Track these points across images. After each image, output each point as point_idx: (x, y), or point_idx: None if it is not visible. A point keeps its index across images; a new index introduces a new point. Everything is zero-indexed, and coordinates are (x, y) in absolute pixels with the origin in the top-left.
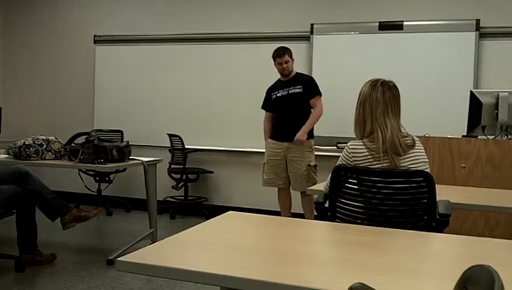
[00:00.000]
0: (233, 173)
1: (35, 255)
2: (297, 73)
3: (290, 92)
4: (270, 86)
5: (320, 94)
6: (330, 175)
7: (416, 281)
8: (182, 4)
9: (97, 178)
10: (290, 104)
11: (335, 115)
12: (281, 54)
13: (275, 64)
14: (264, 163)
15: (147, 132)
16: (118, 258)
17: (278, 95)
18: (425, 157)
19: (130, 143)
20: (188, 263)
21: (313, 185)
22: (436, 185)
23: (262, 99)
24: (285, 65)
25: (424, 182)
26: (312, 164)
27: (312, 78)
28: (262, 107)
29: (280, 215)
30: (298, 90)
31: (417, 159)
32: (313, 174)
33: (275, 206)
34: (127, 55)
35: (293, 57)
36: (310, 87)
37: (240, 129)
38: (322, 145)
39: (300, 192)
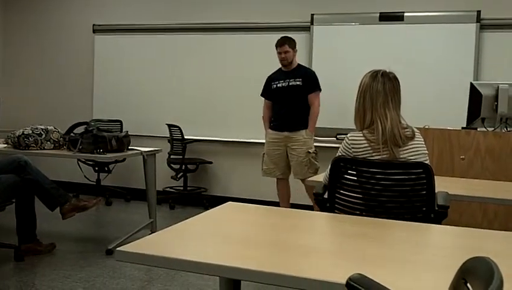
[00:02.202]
0: (233, 163)
1: (35, 245)
2: (299, 65)
3: (290, 84)
4: (270, 74)
5: (319, 89)
6: (329, 166)
7: (415, 273)
8: None
9: (96, 168)
10: (290, 96)
11: (335, 106)
12: (280, 44)
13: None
14: (263, 153)
15: (146, 122)
16: (117, 248)
17: (278, 85)
18: (425, 149)
19: (129, 133)
20: (187, 253)
21: (316, 171)
22: (435, 177)
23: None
24: (284, 55)
25: (423, 174)
26: (312, 150)
27: (313, 72)
28: (262, 95)
29: (278, 206)
30: (298, 82)
31: (417, 151)
32: (314, 160)
33: (274, 196)
34: (126, 45)
35: (296, 49)
36: (309, 81)
37: (239, 120)
38: (321, 136)
39: (303, 180)
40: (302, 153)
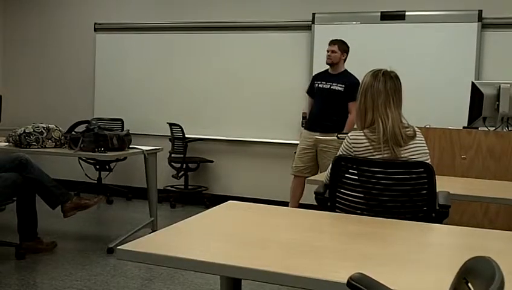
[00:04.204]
0: (234, 162)
1: (36, 243)
2: (345, 70)
3: (331, 87)
4: (316, 73)
5: None
6: (331, 165)
7: (416, 272)
8: None
9: (97, 166)
10: (329, 99)
11: None
12: (331, 42)
13: None
14: (295, 152)
15: (147, 121)
16: (118, 247)
17: (319, 85)
18: (426, 148)
19: (130, 132)
20: (188, 252)
21: None
22: (436, 176)
23: (264, 88)
24: (330, 53)
25: (424, 173)
26: None
27: (357, 81)
28: (307, 92)
29: (279, 205)
30: (340, 88)
31: (418, 150)
32: None
33: (276, 196)
34: (127, 44)
35: (346, 54)
36: (351, 89)
37: (240, 119)
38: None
39: None
40: (331, 156)
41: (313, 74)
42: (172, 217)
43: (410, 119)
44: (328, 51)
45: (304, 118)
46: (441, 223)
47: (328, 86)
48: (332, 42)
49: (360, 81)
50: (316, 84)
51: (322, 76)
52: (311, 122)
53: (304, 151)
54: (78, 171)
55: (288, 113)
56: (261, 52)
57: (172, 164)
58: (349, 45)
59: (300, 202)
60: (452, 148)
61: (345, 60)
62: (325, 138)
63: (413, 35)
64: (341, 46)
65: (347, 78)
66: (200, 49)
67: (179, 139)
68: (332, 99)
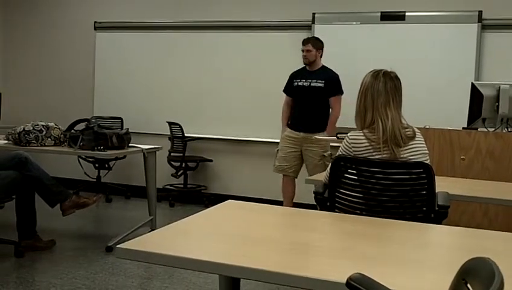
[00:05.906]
0: (233, 161)
1: (35, 241)
2: (323, 66)
3: (311, 84)
4: (294, 71)
5: (341, 93)
6: (330, 165)
7: (415, 272)
8: None
9: (97, 165)
10: (310, 96)
11: None
12: (304, 42)
13: None
14: (277, 150)
15: (146, 120)
16: (117, 245)
17: (299, 83)
18: (426, 148)
19: (129, 130)
20: (187, 251)
21: None
22: (435, 177)
23: (263, 88)
24: (305, 53)
25: (423, 174)
26: (327, 153)
27: (336, 75)
28: (284, 91)
29: (278, 204)
30: (320, 84)
31: (417, 151)
32: (329, 163)
33: (274, 195)
34: (127, 42)
35: (321, 50)
36: (331, 84)
37: (239, 118)
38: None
39: None
40: (317, 155)
41: (291, 73)
42: (171, 216)
43: (410, 119)
44: (302, 51)
45: (289, 119)
46: (440, 224)
47: (308, 84)
48: (306, 41)
49: (360, 82)
50: (295, 83)
51: (301, 74)
52: (295, 121)
53: (289, 151)
54: (77, 170)
55: None
56: (261, 51)
57: (172, 162)
58: (348, 45)
59: (299, 201)
60: (451, 149)
61: (321, 56)
62: (310, 138)
63: (413, 35)
64: (315, 44)
65: (326, 73)
66: (199, 48)
67: (178, 138)
68: (313, 96)
